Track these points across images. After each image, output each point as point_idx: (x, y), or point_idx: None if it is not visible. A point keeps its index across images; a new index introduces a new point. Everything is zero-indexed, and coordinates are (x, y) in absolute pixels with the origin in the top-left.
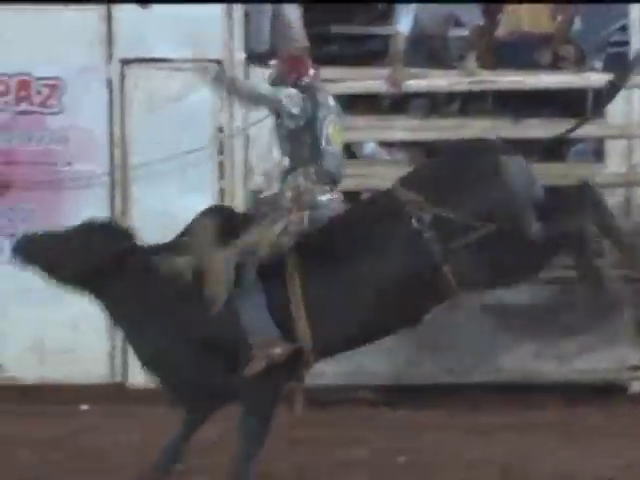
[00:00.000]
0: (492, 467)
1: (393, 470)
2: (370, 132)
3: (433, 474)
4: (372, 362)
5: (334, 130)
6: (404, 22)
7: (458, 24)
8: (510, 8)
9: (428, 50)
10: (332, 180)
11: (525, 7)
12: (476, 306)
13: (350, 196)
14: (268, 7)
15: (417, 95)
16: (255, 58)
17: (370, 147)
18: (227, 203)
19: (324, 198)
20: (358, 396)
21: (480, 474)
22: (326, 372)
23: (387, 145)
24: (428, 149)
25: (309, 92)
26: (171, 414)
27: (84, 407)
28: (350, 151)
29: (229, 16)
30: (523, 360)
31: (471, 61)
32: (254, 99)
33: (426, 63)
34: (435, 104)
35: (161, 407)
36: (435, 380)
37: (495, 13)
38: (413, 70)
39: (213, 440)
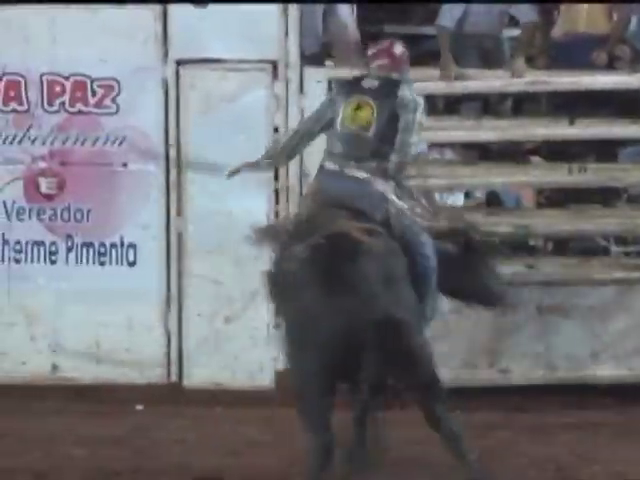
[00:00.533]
0: (550, 466)
1: (458, 469)
2: (424, 133)
3: (500, 473)
4: None
5: (349, 110)
6: (447, 17)
7: (514, 24)
8: (565, 8)
9: (482, 50)
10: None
11: (581, 7)
12: (532, 308)
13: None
14: (321, 7)
15: (470, 96)
16: (309, 58)
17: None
18: (282, 204)
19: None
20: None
21: (539, 473)
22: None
23: (440, 146)
24: (482, 150)
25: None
26: (226, 414)
27: (139, 407)
28: None
29: (285, 16)
30: (579, 361)
31: (520, 61)
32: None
33: (480, 63)
34: (488, 104)
35: (216, 407)
36: (491, 382)
37: (550, 13)
38: (467, 70)
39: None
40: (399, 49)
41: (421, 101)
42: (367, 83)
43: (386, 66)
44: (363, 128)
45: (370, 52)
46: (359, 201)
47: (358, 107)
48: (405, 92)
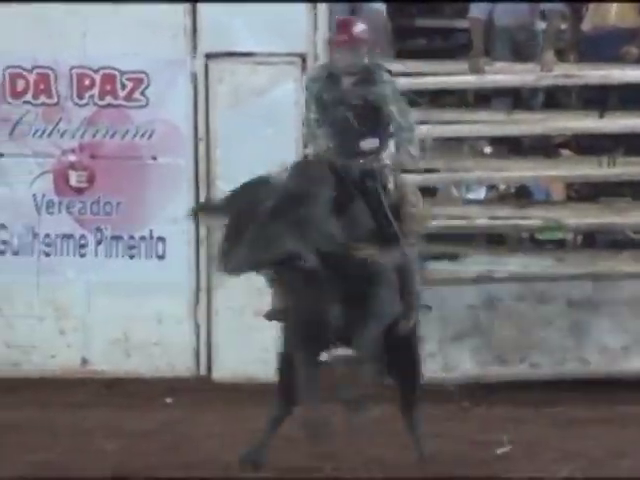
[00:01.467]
0: (581, 461)
1: (490, 462)
2: (455, 126)
3: (528, 466)
4: (458, 359)
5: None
6: (479, 8)
7: (545, 16)
8: (595, 4)
9: (514, 43)
10: None
11: (612, 2)
12: (562, 302)
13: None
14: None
15: (501, 90)
16: None
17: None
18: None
19: None
20: (446, 392)
21: (571, 467)
22: None
23: (472, 139)
24: (512, 143)
25: None
26: (255, 407)
27: (169, 400)
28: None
29: (313, 9)
30: (610, 355)
31: (549, 54)
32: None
33: (512, 57)
34: (519, 98)
35: (246, 400)
36: (521, 377)
37: (580, 7)
38: (497, 64)
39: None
40: (359, 27)
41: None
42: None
43: (344, 43)
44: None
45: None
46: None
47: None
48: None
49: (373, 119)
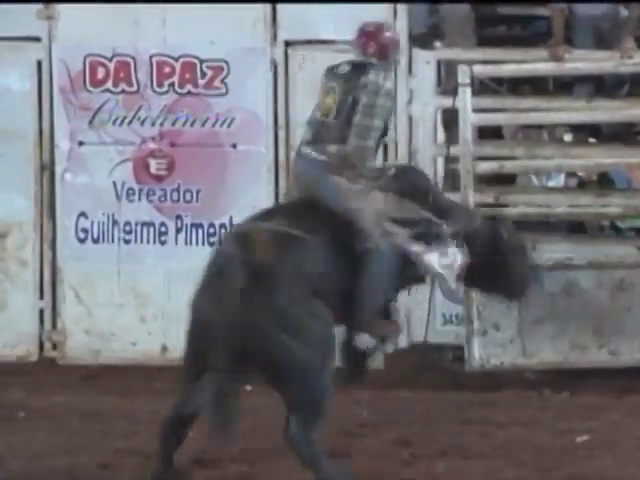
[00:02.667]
0: None
1: (571, 450)
2: (535, 114)
3: (608, 454)
4: (537, 346)
5: (320, 97)
6: None
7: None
8: None
9: (597, 31)
10: None
11: None
12: None
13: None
14: None
15: (583, 77)
16: (417, 39)
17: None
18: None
19: None
20: (524, 379)
21: None
22: (491, 356)
23: (552, 127)
24: (592, 131)
25: None
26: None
27: (248, 388)
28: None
29: None
30: None
31: (629, 42)
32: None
33: (594, 45)
34: (600, 86)
35: None
36: (600, 364)
37: None
38: (578, 52)
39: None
40: (387, 35)
41: (388, 86)
42: (340, 68)
43: (372, 52)
44: (326, 115)
45: (357, 34)
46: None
47: (326, 94)
48: (370, 76)
49: None
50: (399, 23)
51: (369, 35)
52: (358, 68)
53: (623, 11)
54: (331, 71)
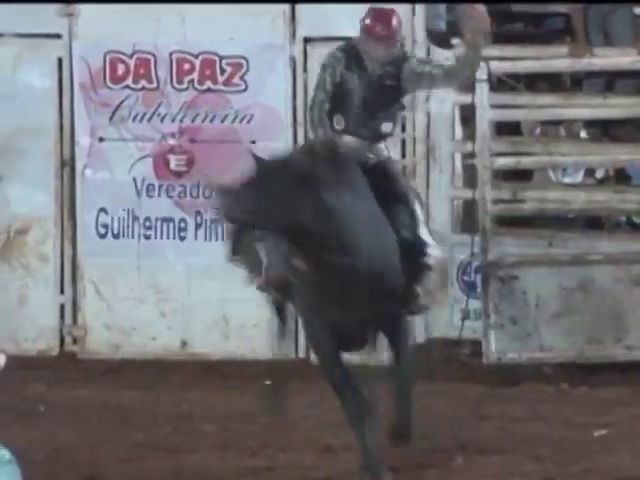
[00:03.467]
0: None
1: (588, 444)
2: (552, 110)
3: (628, 448)
4: (554, 340)
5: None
6: None
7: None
8: None
9: (612, 28)
10: None
11: None
12: None
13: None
14: None
15: (596, 73)
16: (435, 37)
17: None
18: (409, 180)
19: None
20: (541, 373)
21: None
22: (508, 350)
23: (569, 123)
24: (607, 127)
25: None
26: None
27: (268, 382)
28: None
29: None
30: None
31: None
32: None
33: (608, 42)
34: (611, 82)
35: None
36: (617, 358)
37: None
38: (595, 48)
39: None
40: (396, 20)
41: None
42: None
43: (383, 38)
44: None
45: (368, 19)
46: None
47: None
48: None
49: (395, 102)
50: (417, 21)
51: (380, 18)
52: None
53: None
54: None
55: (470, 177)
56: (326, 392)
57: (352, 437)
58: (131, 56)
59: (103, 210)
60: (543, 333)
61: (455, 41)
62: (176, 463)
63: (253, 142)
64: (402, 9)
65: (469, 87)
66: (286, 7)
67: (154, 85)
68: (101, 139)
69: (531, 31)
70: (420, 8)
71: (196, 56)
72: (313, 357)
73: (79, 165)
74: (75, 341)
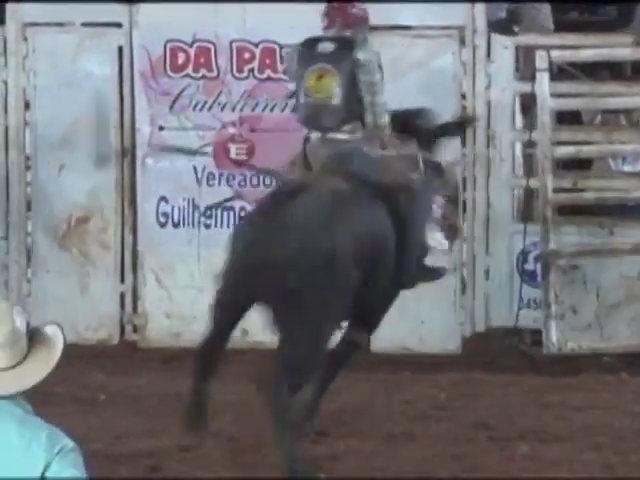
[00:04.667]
0: None
1: None
2: (613, 99)
3: None
4: (614, 330)
5: (312, 80)
6: None
7: None
8: None
9: None
10: None
11: None
12: None
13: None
14: None
15: None
16: (496, 25)
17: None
18: (469, 170)
19: None
20: (602, 363)
21: None
22: (569, 340)
23: (630, 111)
24: None
25: None
26: (413, 379)
27: None
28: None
29: None
30: None
31: None
32: None
33: None
34: None
35: (404, 372)
36: None
37: None
38: None
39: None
40: (354, 7)
41: (375, 59)
42: (322, 47)
43: (340, 23)
44: (328, 97)
45: (326, 8)
46: (351, 162)
47: (320, 76)
48: (359, 53)
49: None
50: (477, 8)
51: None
52: (343, 46)
53: None
54: (310, 51)
55: (531, 166)
56: (387, 381)
57: (412, 425)
58: (191, 45)
59: (163, 199)
60: (603, 323)
61: (516, 29)
62: (237, 451)
63: None
64: None
65: (530, 76)
66: None
67: (214, 74)
68: (161, 128)
69: (591, 19)
70: None
71: (256, 45)
72: (373, 346)
73: (140, 154)
74: (135, 330)
